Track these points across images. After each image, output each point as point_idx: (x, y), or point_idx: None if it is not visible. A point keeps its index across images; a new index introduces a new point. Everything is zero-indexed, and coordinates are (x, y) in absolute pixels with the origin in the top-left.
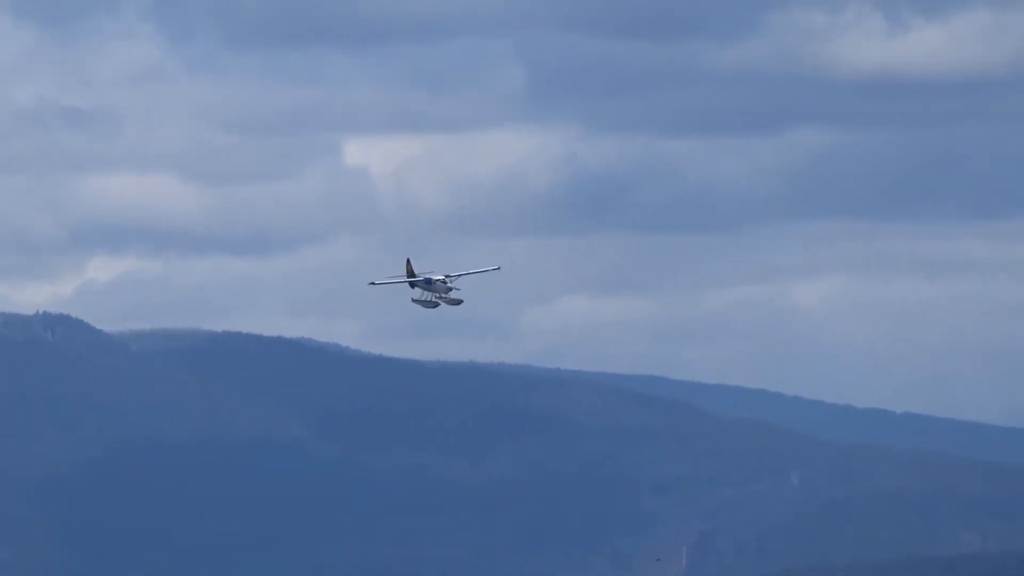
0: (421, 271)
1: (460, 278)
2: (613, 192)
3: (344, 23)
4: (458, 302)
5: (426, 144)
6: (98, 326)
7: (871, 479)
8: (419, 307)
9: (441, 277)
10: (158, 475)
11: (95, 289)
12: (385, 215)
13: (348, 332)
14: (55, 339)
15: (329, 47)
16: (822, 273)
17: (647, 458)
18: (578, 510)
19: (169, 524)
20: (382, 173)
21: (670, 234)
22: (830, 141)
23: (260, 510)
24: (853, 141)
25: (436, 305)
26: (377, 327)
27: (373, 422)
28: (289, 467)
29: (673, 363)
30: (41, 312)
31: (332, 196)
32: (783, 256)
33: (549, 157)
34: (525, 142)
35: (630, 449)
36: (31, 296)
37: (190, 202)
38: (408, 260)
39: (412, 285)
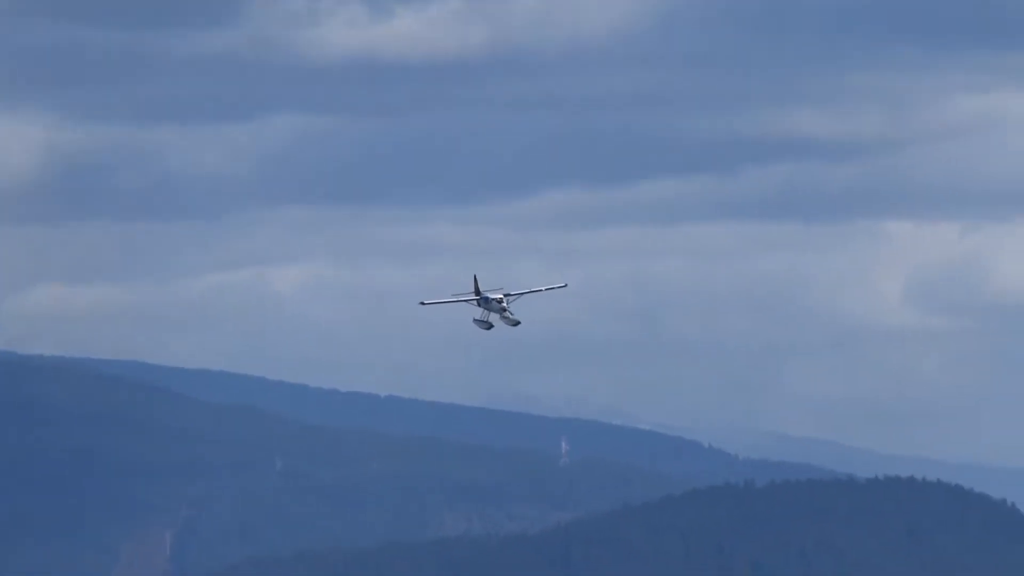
0: (486, 289)
1: (520, 297)
2: (89, 179)
3: None
4: (516, 323)
5: None
6: None
7: (357, 463)
8: (477, 327)
9: (498, 296)
10: None
11: None
12: None
13: None
14: None
15: None
16: (301, 258)
17: (130, 445)
18: (61, 499)
19: None
20: None
21: (148, 221)
22: (308, 127)
23: None
24: (331, 127)
25: (491, 326)
26: None
27: None
28: None
29: (154, 349)
30: None
31: None
32: (262, 242)
33: (22, 144)
34: None
35: (112, 436)
36: None
37: None
38: (475, 277)
39: (479, 304)
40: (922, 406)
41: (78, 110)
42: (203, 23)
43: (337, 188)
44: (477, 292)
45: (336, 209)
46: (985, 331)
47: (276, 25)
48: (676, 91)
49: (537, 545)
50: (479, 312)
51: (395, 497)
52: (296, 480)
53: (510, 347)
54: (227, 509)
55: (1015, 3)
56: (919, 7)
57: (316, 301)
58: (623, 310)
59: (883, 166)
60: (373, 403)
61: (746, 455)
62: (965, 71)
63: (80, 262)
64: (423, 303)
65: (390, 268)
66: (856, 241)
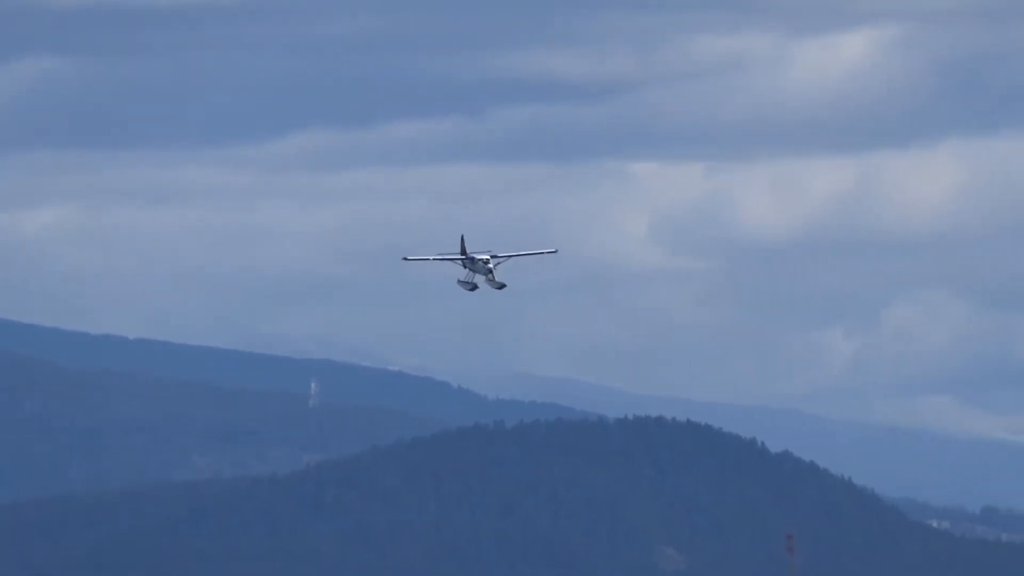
0: (473, 250)
1: (508, 259)
2: None
3: None
4: (501, 285)
5: None
6: None
7: (106, 406)
8: (461, 288)
9: (484, 257)
10: None
11: None
12: None
13: None
14: None
15: None
16: (48, 202)
17: None
18: None
19: None
20: None
21: None
22: (52, 70)
23: None
24: (76, 70)
25: (475, 287)
26: None
27: None
28: None
29: None
30: None
31: None
32: (8, 186)
33: None
34: None
35: None
36: None
37: None
38: (462, 237)
39: (464, 265)
40: (670, 346)
41: None
42: None
43: (82, 132)
44: (463, 252)
45: (82, 153)
46: (729, 270)
47: None
48: (422, 32)
49: (287, 487)
50: (463, 273)
51: (144, 439)
52: (45, 423)
53: (258, 288)
54: None
55: None
56: None
57: (64, 245)
58: (370, 251)
59: (628, 106)
60: (122, 346)
61: (495, 396)
62: (710, 11)
63: None
64: (406, 259)
65: (138, 211)
66: (602, 182)
